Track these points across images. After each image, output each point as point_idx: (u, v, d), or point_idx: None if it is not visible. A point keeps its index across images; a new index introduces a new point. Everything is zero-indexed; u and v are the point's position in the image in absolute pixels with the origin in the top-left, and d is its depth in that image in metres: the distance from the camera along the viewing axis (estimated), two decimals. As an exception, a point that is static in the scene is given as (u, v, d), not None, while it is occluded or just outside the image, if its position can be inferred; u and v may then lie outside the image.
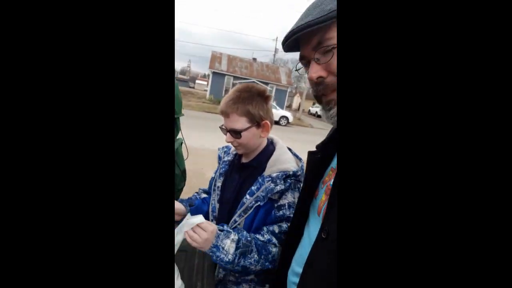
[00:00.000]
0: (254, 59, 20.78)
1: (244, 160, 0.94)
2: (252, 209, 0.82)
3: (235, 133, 0.84)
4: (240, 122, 0.84)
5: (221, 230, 0.76)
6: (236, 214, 0.84)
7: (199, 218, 0.72)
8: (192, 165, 3.61)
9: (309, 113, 24.25)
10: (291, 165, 0.84)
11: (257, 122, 0.85)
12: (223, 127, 0.88)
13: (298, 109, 19.89)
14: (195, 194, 1.09)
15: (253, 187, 0.84)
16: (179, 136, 1.21)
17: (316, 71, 0.47)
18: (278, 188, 0.80)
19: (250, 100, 0.83)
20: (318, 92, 0.49)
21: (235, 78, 18.61)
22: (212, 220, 0.93)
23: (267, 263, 0.78)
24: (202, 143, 5.54)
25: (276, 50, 26.58)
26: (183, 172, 1.15)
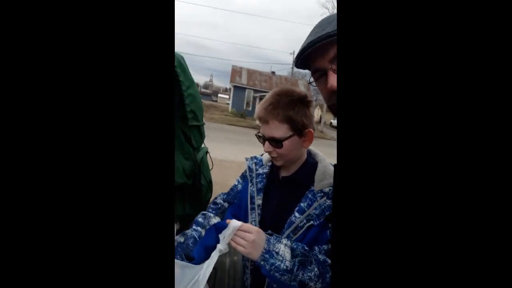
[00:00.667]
0: (273, 72, 21.00)
1: (284, 173, 0.82)
2: (303, 229, 0.70)
3: (276, 142, 0.73)
4: (281, 130, 0.72)
5: (270, 235, 0.66)
6: (284, 235, 0.71)
7: (239, 222, 0.64)
8: (217, 177, 3.58)
9: (331, 125, 23.63)
10: None
11: (299, 130, 0.74)
12: (260, 134, 0.77)
13: (319, 121, 19.53)
14: (196, 227, 0.81)
15: (302, 204, 0.72)
16: (204, 145, 1.17)
17: (336, 80, 0.48)
18: None
19: (292, 105, 0.72)
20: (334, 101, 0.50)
21: (255, 91, 18.83)
22: None
23: (327, 280, 0.65)
24: (226, 155, 5.56)
25: (293, 64, 26.61)
26: (209, 182, 1.10)
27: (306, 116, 0.74)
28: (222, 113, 17.71)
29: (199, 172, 1.01)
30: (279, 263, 0.62)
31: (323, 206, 0.70)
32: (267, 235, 0.65)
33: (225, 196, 0.94)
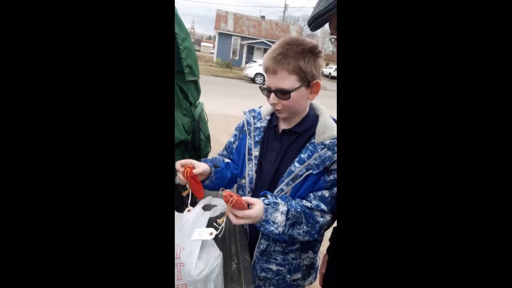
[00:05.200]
0: (263, 17, 19.63)
1: (284, 126, 0.83)
2: (302, 177, 0.76)
3: (283, 94, 0.73)
4: (289, 81, 0.72)
5: (268, 204, 0.71)
6: (283, 183, 0.78)
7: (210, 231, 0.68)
8: (206, 130, 3.62)
9: (322, 74, 23.18)
10: None
11: (308, 81, 0.73)
12: (265, 86, 0.77)
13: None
14: (219, 156, 0.97)
15: (302, 155, 0.77)
16: (199, 101, 1.16)
17: None
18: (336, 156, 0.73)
19: (303, 55, 0.71)
20: None
21: (243, 38, 17.78)
22: (248, 192, 0.87)
23: (313, 232, 0.75)
24: (213, 109, 5.48)
25: (285, 7, 24.81)
26: (208, 137, 1.12)
27: (316, 67, 0.73)
28: (206, 63, 16.85)
29: (198, 128, 1.02)
30: (273, 229, 0.70)
31: (323, 157, 0.74)
32: (265, 205, 0.70)
33: (223, 153, 0.99)
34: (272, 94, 0.75)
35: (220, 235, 0.69)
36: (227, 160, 0.96)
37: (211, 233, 0.67)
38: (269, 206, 0.70)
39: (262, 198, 0.73)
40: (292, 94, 0.73)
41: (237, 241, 0.89)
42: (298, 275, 0.90)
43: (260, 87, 0.79)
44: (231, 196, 0.63)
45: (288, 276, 0.89)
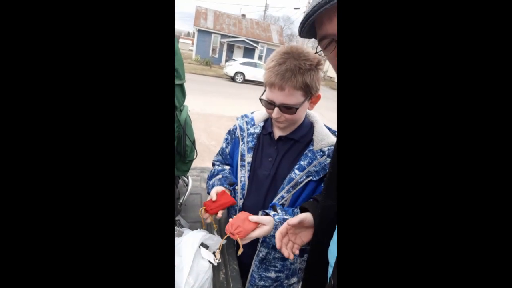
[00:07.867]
0: (243, 15, 19.56)
1: (280, 133, 0.83)
2: (302, 184, 0.77)
3: (288, 109, 0.72)
4: (296, 97, 0.71)
5: (278, 221, 0.72)
6: (284, 190, 0.78)
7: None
8: (186, 130, 3.54)
9: None
10: (334, 139, 0.79)
11: (312, 95, 0.73)
12: (266, 99, 0.75)
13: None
14: (220, 166, 0.96)
15: (302, 162, 0.77)
16: (184, 104, 1.12)
17: None
18: None
19: (310, 71, 0.69)
20: None
21: (223, 36, 17.61)
22: (240, 198, 0.86)
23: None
24: (192, 107, 5.31)
25: (266, 6, 24.91)
26: (193, 142, 1.09)
27: (319, 80, 0.72)
28: (185, 61, 16.48)
29: (184, 133, 0.99)
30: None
31: (323, 164, 0.76)
32: (276, 221, 0.72)
33: (219, 158, 0.99)
34: (276, 109, 0.74)
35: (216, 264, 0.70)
36: (227, 167, 0.95)
37: (215, 259, 0.67)
38: (279, 223, 0.71)
39: (273, 213, 0.73)
40: (298, 109, 0.73)
41: (224, 249, 0.88)
42: (295, 279, 0.91)
43: (260, 99, 0.78)
44: (233, 234, 0.66)
45: (286, 281, 0.90)
